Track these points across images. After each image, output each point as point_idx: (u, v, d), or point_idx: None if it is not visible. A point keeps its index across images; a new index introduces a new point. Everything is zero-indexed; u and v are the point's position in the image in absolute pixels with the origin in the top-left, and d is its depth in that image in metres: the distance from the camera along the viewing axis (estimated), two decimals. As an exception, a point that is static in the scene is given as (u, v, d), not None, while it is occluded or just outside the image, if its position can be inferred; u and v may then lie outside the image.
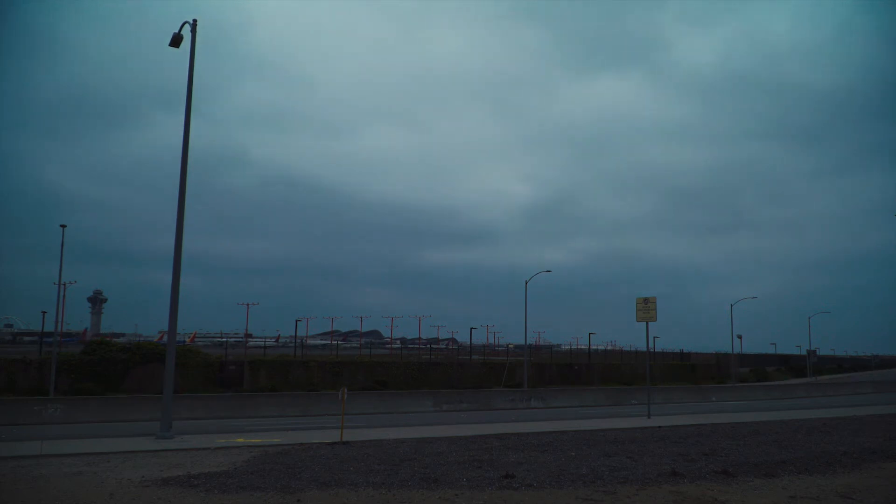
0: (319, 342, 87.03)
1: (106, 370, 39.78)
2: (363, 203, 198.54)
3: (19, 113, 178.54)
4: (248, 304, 74.41)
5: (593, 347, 73.42)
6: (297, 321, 65.94)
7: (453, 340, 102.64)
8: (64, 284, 41.07)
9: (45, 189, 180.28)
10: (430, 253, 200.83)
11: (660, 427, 20.25)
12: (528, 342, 51.12)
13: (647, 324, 24.48)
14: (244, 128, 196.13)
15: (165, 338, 24.33)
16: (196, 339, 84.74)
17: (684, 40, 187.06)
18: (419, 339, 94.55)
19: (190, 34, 19.23)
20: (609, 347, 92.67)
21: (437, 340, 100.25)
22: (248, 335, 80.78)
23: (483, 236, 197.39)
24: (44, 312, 45.93)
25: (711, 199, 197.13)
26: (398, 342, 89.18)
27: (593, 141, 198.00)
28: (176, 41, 19.18)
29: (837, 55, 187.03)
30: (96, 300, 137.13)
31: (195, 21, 19.28)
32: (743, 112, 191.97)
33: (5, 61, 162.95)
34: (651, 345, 33.93)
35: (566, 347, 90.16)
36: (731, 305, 62.42)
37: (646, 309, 24.43)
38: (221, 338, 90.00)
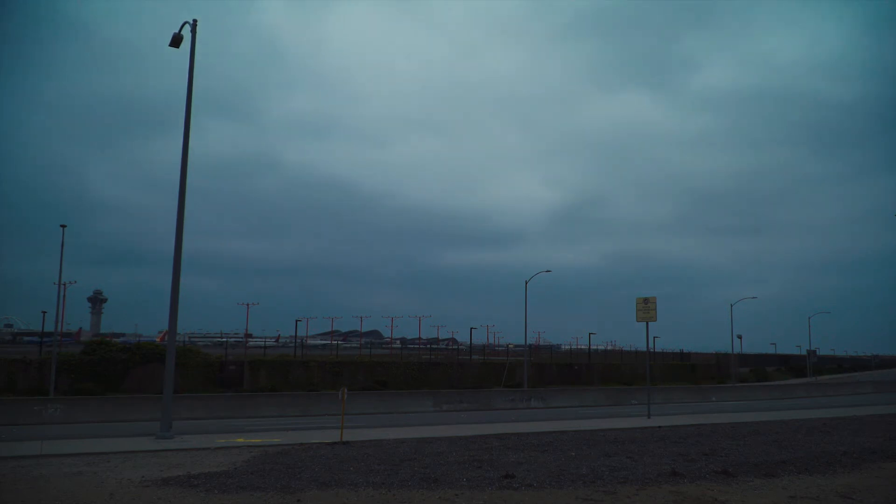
0: (319, 342, 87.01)
1: (106, 370, 39.77)
2: (388, 207, 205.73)
3: (66, 118, 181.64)
4: (248, 304, 74.43)
5: (593, 347, 73.45)
6: (297, 321, 65.95)
7: (453, 340, 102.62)
8: (64, 284, 41.07)
9: (75, 192, 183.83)
10: (446, 255, 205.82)
11: (660, 427, 20.25)
12: (528, 342, 51.14)
13: (647, 324, 24.48)
14: (288, 135, 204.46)
15: (166, 338, 24.32)
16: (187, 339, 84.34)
17: (705, 60, 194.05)
18: (419, 339, 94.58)
19: (190, 34, 19.24)
20: (609, 347, 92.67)
21: (437, 340, 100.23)
22: (248, 335, 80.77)
23: (501, 239, 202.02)
24: (44, 312, 45.96)
25: (724, 202, 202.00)
26: (398, 342, 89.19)
27: (616, 150, 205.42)
28: (176, 41, 19.16)
29: (845, 71, 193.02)
30: (96, 300, 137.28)
31: (195, 21, 19.29)
32: (757, 123, 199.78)
33: (59, 67, 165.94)
34: (651, 345, 33.97)
35: (566, 347, 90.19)
36: (731, 305, 62.47)
37: (646, 309, 24.43)
38: (221, 338, 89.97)
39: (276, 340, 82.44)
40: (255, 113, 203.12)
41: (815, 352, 79.32)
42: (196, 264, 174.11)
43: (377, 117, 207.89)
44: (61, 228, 36.27)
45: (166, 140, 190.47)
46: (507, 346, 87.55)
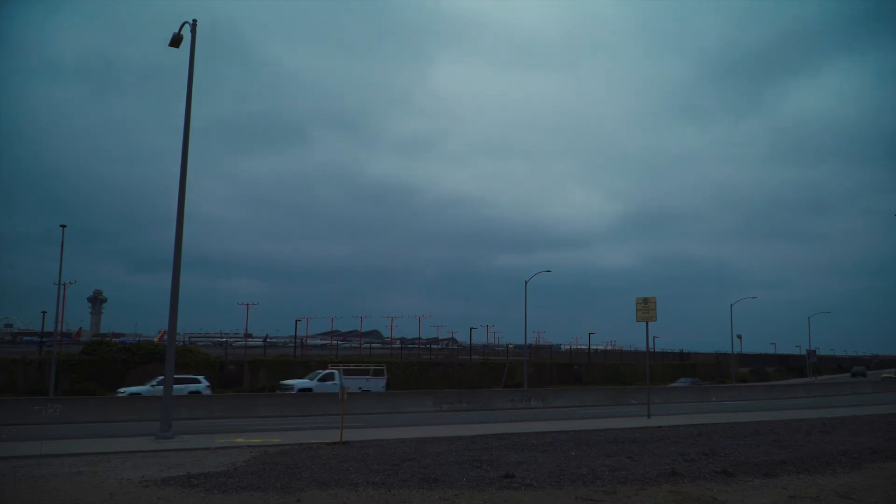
0: (319, 342, 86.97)
1: (106, 370, 39.78)
2: (449, 216, 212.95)
3: (168, 133, 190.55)
4: (247, 304, 74.40)
5: (593, 347, 73.47)
6: (296, 321, 65.88)
7: (453, 340, 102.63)
8: (64, 284, 41.13)
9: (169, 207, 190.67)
10: (492, 259, 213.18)
11: (660, 427, 20.25)
12: (527, 342, 51.17)
13: (647, 324, 24.49)
14: (388, 151, 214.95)
15: (165, 337, 24.30)
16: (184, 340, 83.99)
17: (776, 100, 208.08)
18: (419, 338, 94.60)
19: (190, 34, 19.24)
20: (609, 347, 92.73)
21: (436, 340, 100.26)
22: (248, 335, 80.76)
23: (539, 245, 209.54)
24: (44, 312, 45.97)
25: (751, 210, 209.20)
26: (398, 342, 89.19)
27: (668, 169, 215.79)
28: (176, 41, 19.16)
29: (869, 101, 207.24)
30: (96, 300, 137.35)
31: (195, 21, 19.29)
32: (798, 146, 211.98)
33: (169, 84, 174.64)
34: (651, 345, 33.97)
35: (566, 347, 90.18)
36: (731, 305, 62.56)
37: (645, 309, 24.43)
38: (221, 338, 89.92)
39: (264, 340, 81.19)
40: (369, 132, 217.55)
41: (814, 352, 79.37)
42: (238, 266, 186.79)
43: (470, 141, 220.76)
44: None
45: (257, 158, 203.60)
46: (507, 346, 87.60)
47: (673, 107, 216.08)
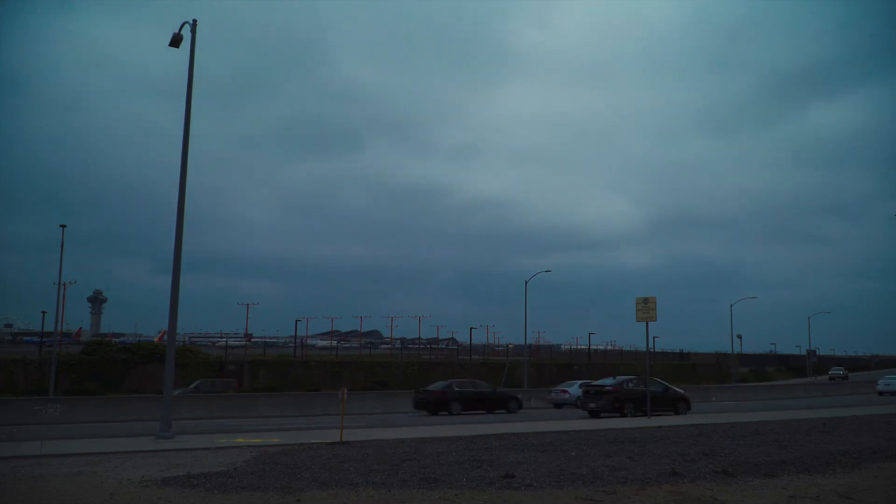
0: (319, 342, 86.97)
1: (106, 370, 39.79)
2: (470, 223, 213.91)
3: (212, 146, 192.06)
4: (247, 304, 74.33)
5: (593, 347, 73.48)
6: (296, 321, 65.94)
7: (453, 340, 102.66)
8: (64, 284, 41.15)
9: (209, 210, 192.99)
10: (512, 261, 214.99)
11: (659, 427, 20.25)
12: (527, 342, 51.18)
13: (647, 323, 24.49)
14: (430, 160, 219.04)
15: (165, 337, 24.30)
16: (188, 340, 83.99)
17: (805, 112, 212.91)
18: (419, 338, 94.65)
19: (190, 34, 19.25)
20: (609, 347, 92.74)
21: (436, 340, 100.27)
22: (249, 335, 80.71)
23: (553, 248, 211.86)
24: (44, 312, 46.02)
25: (755, 213, 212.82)
26: (398, 342, 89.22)
27: (675, 175, 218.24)
28: (176, 41, 19.17)
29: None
30: (96, 300, 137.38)
31: (195, 21, 19.30)
32: (829, 154, 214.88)
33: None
34: (651, 345, 33.96)
35: (566, 347, 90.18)
36: (731, 305, 62.59)
37: (645, 309, 24.43)
38: (221, 338, 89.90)
39: (248, 340, 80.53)
40: (420, 139, 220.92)
41: (814, 352, 79.47)
42: (239, 267, 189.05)
43: (504, 152, 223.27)
44: (65, 229, 36.31)
45: (312, 163, 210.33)
46: (507, 346, 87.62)
47: (694, 118, 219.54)
